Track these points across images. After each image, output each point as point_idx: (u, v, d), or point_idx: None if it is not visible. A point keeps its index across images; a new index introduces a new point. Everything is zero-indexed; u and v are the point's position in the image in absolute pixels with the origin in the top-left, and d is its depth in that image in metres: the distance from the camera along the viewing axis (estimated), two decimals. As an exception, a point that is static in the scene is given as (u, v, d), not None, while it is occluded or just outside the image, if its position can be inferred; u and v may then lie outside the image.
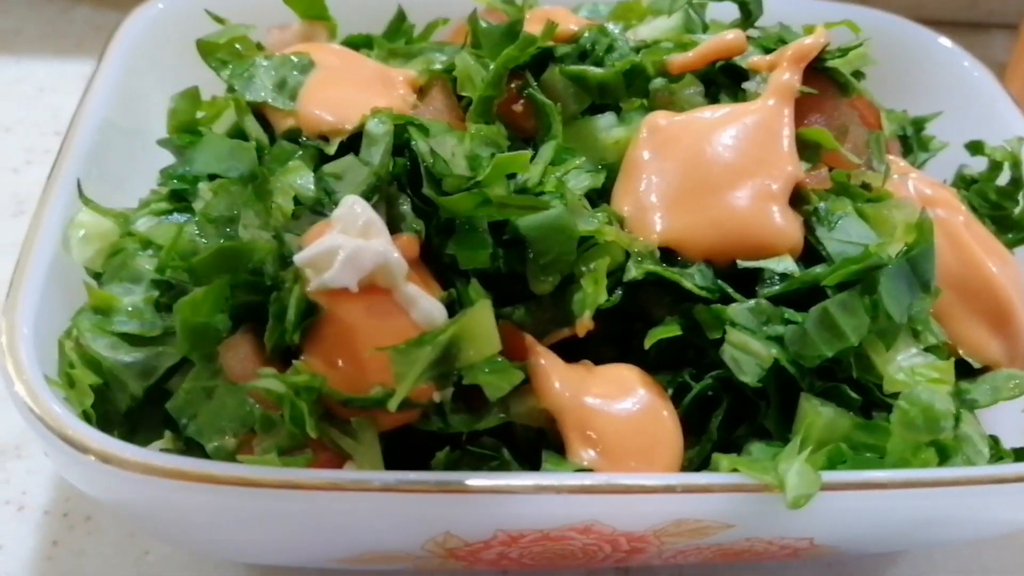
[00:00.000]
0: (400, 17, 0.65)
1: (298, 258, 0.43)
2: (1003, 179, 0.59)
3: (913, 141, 0.63)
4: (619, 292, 0.46)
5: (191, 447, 0.45)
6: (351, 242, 0.43)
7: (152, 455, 0.38)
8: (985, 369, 0.52)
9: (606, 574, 0.54)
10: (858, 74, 0.60)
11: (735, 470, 0.40)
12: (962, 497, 0.42)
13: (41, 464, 0.56)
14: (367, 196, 0.46)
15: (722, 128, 0.50)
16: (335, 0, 0.62)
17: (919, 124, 0.63)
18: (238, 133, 0.54)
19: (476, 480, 0.38)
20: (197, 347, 0.42)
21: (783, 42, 0.54)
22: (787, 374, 0.45)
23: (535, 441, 0.44)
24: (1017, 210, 0.59)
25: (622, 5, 0.62)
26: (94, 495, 0.42)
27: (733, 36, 0.53)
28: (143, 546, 0.53)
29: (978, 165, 0.62)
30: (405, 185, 0.48)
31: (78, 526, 0.54)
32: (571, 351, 0.47)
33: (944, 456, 0.45)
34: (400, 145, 0.50)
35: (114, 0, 0.90)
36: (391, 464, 0.42)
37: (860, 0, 0.98)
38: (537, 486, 0.38)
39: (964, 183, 0.61)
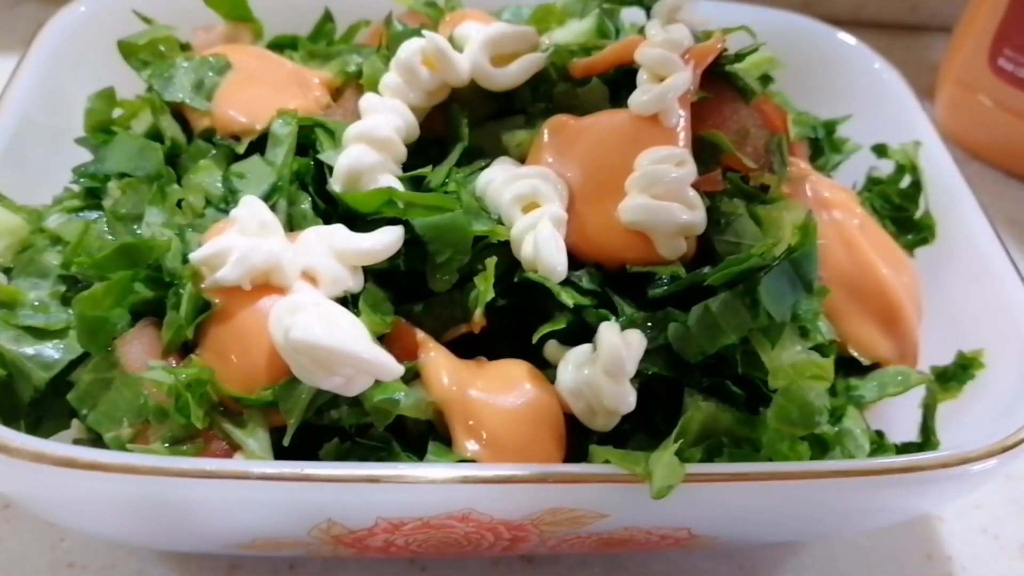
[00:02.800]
0: (327, 18, 0.66)
1: (193, 256, 0.45)
2: (906, 182, 0.61)
3: (824, 144, 0.64)
4: (502, 291, 0.47)
5: (99, 437, 0.46)
6: (244, 241, 0.44)
7: (43, 444, 0.40)
8: (876, 366, 0.54)
9: (513, 565, 0.56)
10: (766, 78, 0.62)
11: (607, 461, 0.42)
12: (828, 489, 0.43)
13: (-37, 454, 0.57)
14: (267, 195, 0.48)
15: (619, 131, 0.51)
16: (264, 1, 0.63)
17: (830, 127, 0.65)
18: (156, 133, 0.55)
19: (350, 470, 0.40)
20: (94, 340, 0.44)
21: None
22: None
23: (425, 434, 0.45)
24: (918, 213, 0.60)
25: (542, 8, 0.63)
26: (-5, 484, 0.44)
27: (636, 40, 0.54)
28: (59, 533, 0.54)
29: (888, 168, 0.64)
30: (308, 184, 0.50)
31: (-4, 514, 0.55)
32: (473, 348, 0.49)
33: (823, 450, 0.47)
34: (306, 144, 0.51)
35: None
36: (285, 456, 0.43)
37: (802, 3, 1.00)
38: (411, 476, 0.40)
39: (872, 185, 0.63)
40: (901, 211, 0.60)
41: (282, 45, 0.63)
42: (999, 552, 0.61)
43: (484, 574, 0.55)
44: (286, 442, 0.43)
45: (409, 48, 0.52)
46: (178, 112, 0.56)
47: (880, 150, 0.62)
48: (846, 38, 0.70)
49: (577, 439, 0.47)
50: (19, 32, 0.89)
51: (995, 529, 0.62)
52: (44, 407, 0.46)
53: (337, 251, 0.46)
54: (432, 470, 0.40)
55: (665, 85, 0.51)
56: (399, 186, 0.49)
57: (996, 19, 0.82)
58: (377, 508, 0.41)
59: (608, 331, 0.45)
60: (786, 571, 0.58)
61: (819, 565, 0.58)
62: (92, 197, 0.52)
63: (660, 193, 0.48)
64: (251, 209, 0.46)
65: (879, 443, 0.51)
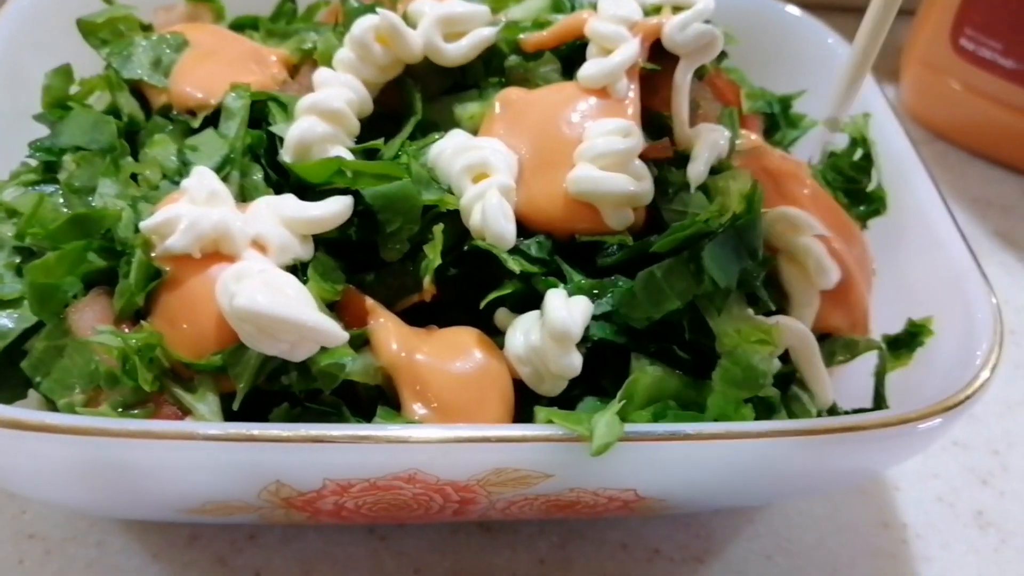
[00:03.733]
0: (287, -2, 0.67)
1: (143, 224, 0.45)
2: (858, 155, 0.62)
3: (780, 119, 0.65)
4: (453, 260, 0.48)
5: (52, 406, 0.47)
6: (194, 210, 0.45)
7: (-9, 408, 0.40)
8: (826, 336, 0.54)
9: (472, 533, 0.57)
10: (721, 54, 0.62)
11: (550, 421, 0.43)
12: (768, 449, 0.44)
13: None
14: (220, 167, 0.49)
15: (569, 103, 0.52)
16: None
17: (786, 102, 0.65)
18: (115, 110, 0.56)
19: (297, 430, 0.40)
20: (45, 307, 0.45)
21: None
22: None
23: (375, 400, 0.46)
24: (870, 185, 0.61)
25: (501, -14, 0.64)
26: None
27: (587, 15, 0.55)
28: (20, 506, 0.55)
29: (843, 143, 0.64)
30: (260, 156, 0.51)
31: (-43, 487, 0.56)
32: (426, 317, 0.50)
33: (768, 412, 0.48)
34: (260, 119, 0.52)
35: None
36: (236, 420, 0.44)
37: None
38: (357, 435, 0.41)
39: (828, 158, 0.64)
40: (853, 183, 0.61)
41: (243, 25, 0.64)
42: (954, 520, 0.62)
43: (443, 542, 0.56)
44: (235, 406, 0.43)
45: (363, 25, 0.53)
46: (137, 90, 0.57)
47: (832, 124, 0.62)
48: (794, 11, 0.71)
49: (526, 405, 0.47)
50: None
51: (950, 498, 0.63)
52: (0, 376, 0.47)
53: (286, 220, 0.46)
54: (375, 430, 0.41)
55: (613, 58, 0.52)
56: (350, 157, 0.50)
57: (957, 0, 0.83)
58: (323, 468, 0.42)
59: (554, 297, 0.46)
60: (742, 539, 0.59)
61: (774, 533, 0.59)
62: (48, 172, 0.52)
63: (607, 164, 0.49)
64: (201, 179, 0.46)
65: (830, 409, 0.51)
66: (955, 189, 0.86)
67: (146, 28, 0.62)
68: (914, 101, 0.91)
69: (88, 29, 0.58)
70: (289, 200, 0.47)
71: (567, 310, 0.45)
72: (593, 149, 0.49)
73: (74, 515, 0.55)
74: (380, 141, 0.52)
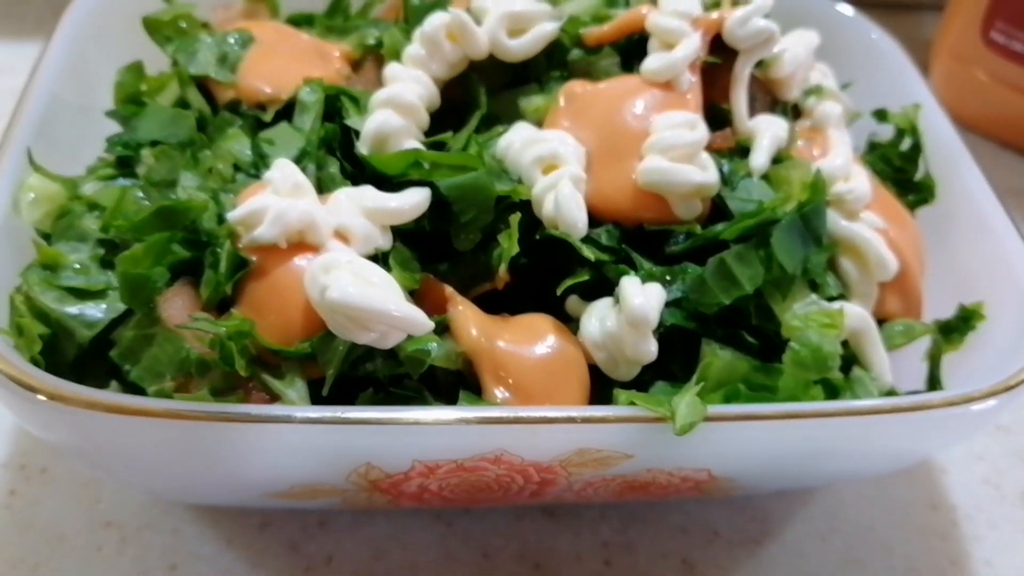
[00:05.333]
0: (342, -6, 0.68)
1: (231, 215, 0.46)
2: (906, 145, 0.63)
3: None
4: (523, 249, 0.49)
5: (136, 394, 0.48)
6: (279, 201, 0.46)
7: (96, 392, 0.41)
8: (883, 321, 0.56)
9: (536, 518, 0.58)
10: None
11: (632, 403, 0.44)
12: (841, 428, 0.45)
13: (-1, 420, 0.59)
14: (297, 159, 0.50)
15: (633, 96, 0.53)
16: (279, -22, 0.65)
17: (831, 94, 0.67)
18: (182, 105, 0.57)
19: (391, 413, 0.42)
20: (136, 297, 0.46)
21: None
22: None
23: (455, 384, 0.47)
24: (918, 174, 0.63)
25: (549, -20, 0.66)
26: (45, 436, 0.45)
27: (646, 10, 0.56)
28: (96, 494, 0.56)
29: (888, 133, 0.66)
30: (335, 149, 0.52)
31: (34, 477, 0.57)
32: (496, 305, 0.51)
33: (833, 394, 0.49)
34: (331, 112, 0.53)
35: (72, -16, 0.93)
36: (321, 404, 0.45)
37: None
38: (447, 418, 0.42)
39: (873, 149, 0.66)
40: (901, 173, 0.63)
41: (298, 21, 0.65)
42: (1001, 501, 0.63)
43: (508, 527, 0.57)
44: (325, 392, 0.44)
45: (435, 23, 0.54)
46: (201, 85, 0.58)
47: (880, 115, 0.64)
48: (844, 9, 0.73)
49: (599, 389, 0.49)
50: (31, 18, 0.90)
51: (996, 479, 0.64)
52: (86, 366, 0.48)
53: (367, 210, 0.48)
54: (468, 411, 0.42)
55: (676, 52, 0.53)
56: (423, 150, 0.51)
57: (988, -7, 0.84)
58: (414, 450, 0.43)
59: (630, 284, 0.47)
60: (796, 521, 0.60)
61: (828, 515, 0.61)
62: (124, 166, 0.53)
63: (676, 156, 0.50)
64: (284, 171, 0.47)
65: (889, 391, 0.53)
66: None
67: (204, 26, 0.63)
68: (944, 93, 0.92)
69: (153, 27, 0.59)
70: (369, 191, 0.48)
71: (644, 297, 0.46)
72: (662, 141, 0.50)
73: (148, 503, 0.56)
74: (449, 134, 0.53)
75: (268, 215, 0.46)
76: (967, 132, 0.92)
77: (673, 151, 0.50)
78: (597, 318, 0.48)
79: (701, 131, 0.51)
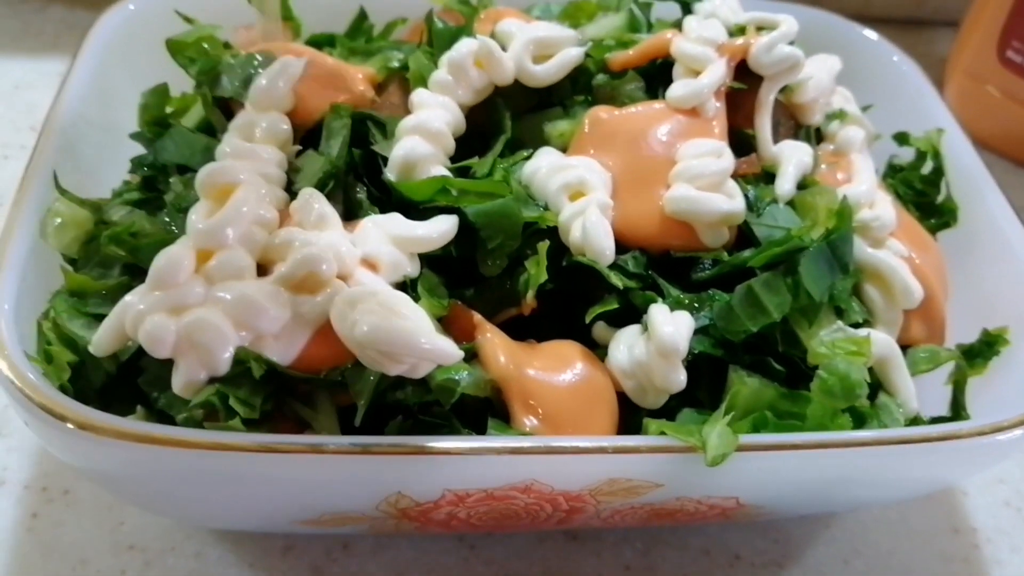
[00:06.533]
0: (362, 16, 0.68)
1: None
2: (928, 168, 0.63)
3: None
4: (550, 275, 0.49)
5: (162, 420, 0.48)
6: (303, 234, 0.46)
7: (126, 422, 0.42)
8: (907, 347, 0.56)
9: (558, 540, 0.58)
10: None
11: (663, 433, 0.44)
12: (870, 457, 0.45)
13: (21, 442, 0.59)
14: (323, 185, 0.50)
15: (659, 122, 0.53)
16: (300, 1, 0.65)
17: (853, 117, 0.67)
18: (206, 127, 0.57)
19: (424, 442, 0.42)
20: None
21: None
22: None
23: (483, 411, 0.47)
24: (940, 197, 0.63)
25: (572, 4, 0.66)
26: (73, 463, 0.45)
27: (671, 35, 0.56)
28: (118, 517, 0.56)
29: (907, 155, 0.66)
30: (362, 174, 0.52)
31: (57, 499, 0.57)
32: (521, 330, 0.51)
33: (860, 422, 0.49)
34: (358, 136, 0.53)
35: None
36: (351, 433, 0.45)
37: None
38: (480, 448, 0.42)
39: (893, 172, 0.66)
40: (923, 196, 0.63)
41: (320, 43, 0.65)
42: (1022, 524, 0.63)
43: (531, 550, 0.57)
44: (357, 422, 0.44)
45: (462, 50, 0.54)
46: (225, 107, 0.58)
47: (901, 138, 0.64)
48: (869, 34, 0.73)
49: (627, 415, 0.49)
50: (48, 35, 0.90)
51: (1018, 502, 0.64)
52: (113, 392, 0.48)
53: (395, 238, 0.48)
54: (500, 441, 0.42)
55: (702, 79, 0.53)
56: (449, 176, 0.51)
57: (1004, 11, 0.84)
58: (445, 480, 0.43)
59: (660, 313, 0.47)
60: (819, 544, 0.60)
61: (851, 537, 0.61)
62: (149, 188, 0.53)
63: (703, 185, 0.50)
64: (310, 202, 0.47)
65: (914, 417, 0.53)
66: (1001, 198, 0.87)
67: (225, 47, 0.63)
68: (959, 111, 0.91)
69: (176, 48, 0.59)
70: (397, 219, 0.48)
71: (674, 326, 0.46)
72: (689, 170, 0.50)
73: (171, 526, 0.56)
74: (474, 159, 0.53)
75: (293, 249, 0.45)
76: (981, 150, 0.92)
77: (700, 180, 0.50)
78: (626, 346, 0.48)
79: (727, 159, 0.51)
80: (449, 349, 0.44)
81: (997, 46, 0.86)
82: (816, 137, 0.61)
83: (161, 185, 0.53)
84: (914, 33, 1.07)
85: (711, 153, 0.51)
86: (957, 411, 0.56)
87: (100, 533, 0.56)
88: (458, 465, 0.42)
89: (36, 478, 0.58)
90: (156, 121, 0.57)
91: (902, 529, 0.62)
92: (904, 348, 0.55)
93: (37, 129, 0.56)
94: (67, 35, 0.89)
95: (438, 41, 0.57)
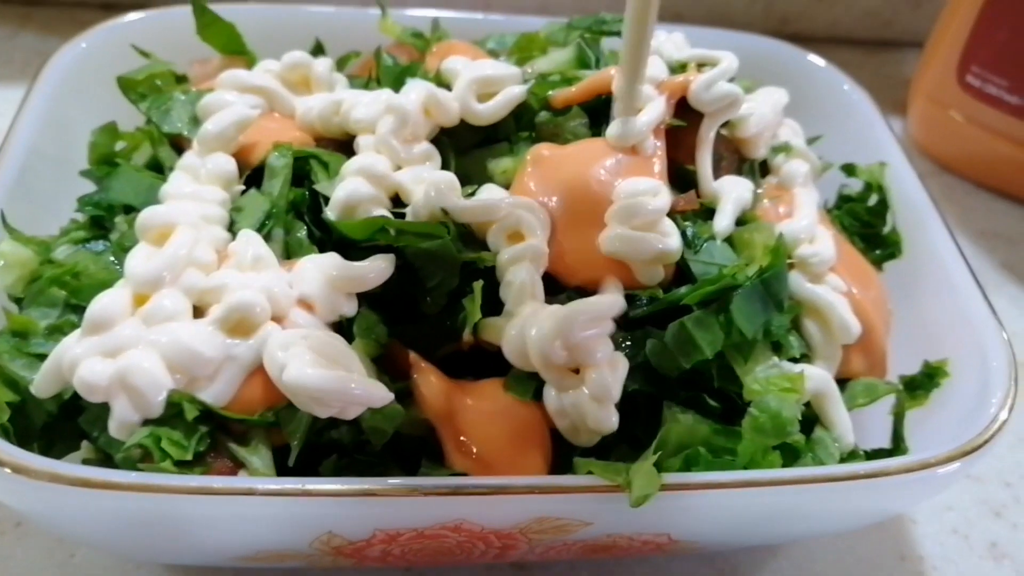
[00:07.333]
0: (317, 49, 0.69)
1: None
2: (874, 200, 0.64)
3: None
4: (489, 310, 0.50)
5: (106, 457, 0.49)
6: (239, 276, 0.47)
7: (59, 465, 0.42)
8: (847, 380, 0.56)
9: (505, 571, 0.59)
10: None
11: (591, 472, 0.45)
12: (795, 495, 0.46)
13: (-25, 475, 0.60)
14: (263, 225, 0.51)
15: (598, 161, 0.54)
16: (256, 33, 0.66)
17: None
18: (156, 163, 0.58)
19: (351, 484, 0.42)
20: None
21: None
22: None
23: (418, 449, 0.48)
24: (885, 229, 0.63)
25: (524, 37, 0.66)
26: (13, 505, 0.46)
27: (615, 72, 0.57)
28: (69, 550, 0.57)
29: (858, 185, 0.67)
30: (304, 213, 0.53)
31: (8, 532, 0.57)
32: (463, 364, 0.51)
33: (793, 458, 0.50)
34: (301, 175, 0.54)
35: (58, 27, 0.94)
36: (286, 472, 0.46)
37: (780, 20, 1.03)
38: (408, 488, 0.43)
39: (844, 202, 0.66)
40: (869, 227, 0.63)
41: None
42: (969, 552, 0.64)
43: (477, 581, 0.58)
44: (291, 463, 0.45)
45: (410, 100, 0.54)
46: (175, 143, 0.59)
47: (849, 169, 0.65)
48: (816, 60, 0.74)
49: (561, 450, 0.49)
50: (18, 62, 0.91)
51: (965, 529, 0.65)
52: (56, 431, 0.49)
53: (332, 279, 0.48)
54: (428, 483, 0.43)
55: (640, 118, 0.54)
56: (390, 216, 0.52)
57: (963, 37, 0.85)
58: (375, 520, 0.44)
59: None
60: (765, 572, 0.61)
61: (797, 568, 0.61)
62: (97, 227, 0.54)
63: (639, 225, 0.51)
64: (247, 244, 0.48)
65: (851, 451, 0.53)
66: (962, 221, 0.88)
67: (180, 79, 0.64)
68: (921, 134, 0.93)
69: (127, 85, 0.60)
70: (334, 259, 0.49)
71: (608, 372, 0.47)
72: (625, 211, 0.50)
73: (122, 559, 0.57)
74: (417, 198, 0.54)
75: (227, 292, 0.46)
76: (943, 173, 0.93)
77: (636, 220, 0.50)
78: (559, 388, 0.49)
79: (664, 198, 0.52)
80: (379, 393, 0.45)
81: (957, 71, 0.87)
82: (762, 170, 0.61)
83: (108, 224, 0.54)
84: (882, 54, 1.08)
85: (647, 192, 0.51)
86: (897, 443, 0.56)
87: (50, 565, 0.56)
88: (387, 506, 0.43)
89: (-12, 512, 0.58)
90: (104, 160, 0.57)
91: (849, 557, 0.62)
92: (845, 381, 0.56)
93: (5, 157, 0.57)
94: (37, 63, 0.90)
95: (385, 78, 0.58)
